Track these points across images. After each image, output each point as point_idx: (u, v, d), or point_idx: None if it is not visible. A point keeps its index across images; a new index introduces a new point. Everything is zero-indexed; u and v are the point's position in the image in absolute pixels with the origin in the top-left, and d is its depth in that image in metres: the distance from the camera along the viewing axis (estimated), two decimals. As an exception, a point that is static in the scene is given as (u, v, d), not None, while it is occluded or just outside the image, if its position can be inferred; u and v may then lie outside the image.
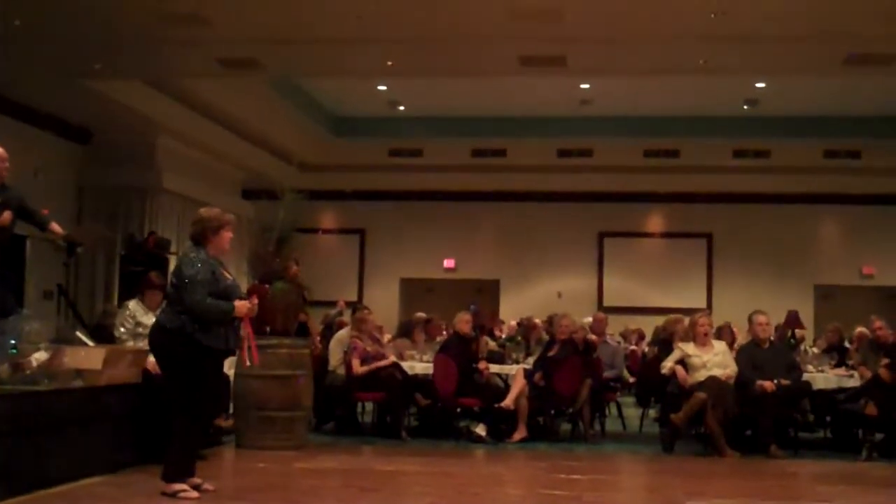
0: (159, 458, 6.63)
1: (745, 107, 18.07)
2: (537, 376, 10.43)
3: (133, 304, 8.80)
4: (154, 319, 8.49)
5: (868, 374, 9.77)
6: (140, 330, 8.54)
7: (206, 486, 6.49)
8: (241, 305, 6.50)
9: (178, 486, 6.31)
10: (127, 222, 15.60)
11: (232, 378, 8.97)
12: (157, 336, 6.61)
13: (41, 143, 14.46)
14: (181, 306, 6.38)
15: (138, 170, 15.64)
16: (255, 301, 6.72)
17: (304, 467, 8.21)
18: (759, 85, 16.74)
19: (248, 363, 6.97)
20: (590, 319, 12.68)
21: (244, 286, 8.51)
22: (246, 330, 6.76)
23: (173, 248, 15.27)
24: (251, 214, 17.49)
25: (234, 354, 6.95)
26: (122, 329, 8.68)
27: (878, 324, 10.45)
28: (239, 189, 19.17)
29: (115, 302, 13.83)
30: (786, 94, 17.23)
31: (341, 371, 10.71)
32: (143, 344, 8.32)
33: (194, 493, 6.32)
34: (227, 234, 6.63)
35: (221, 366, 6.86)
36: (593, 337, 11.27)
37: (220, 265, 6.61)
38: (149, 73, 13.76)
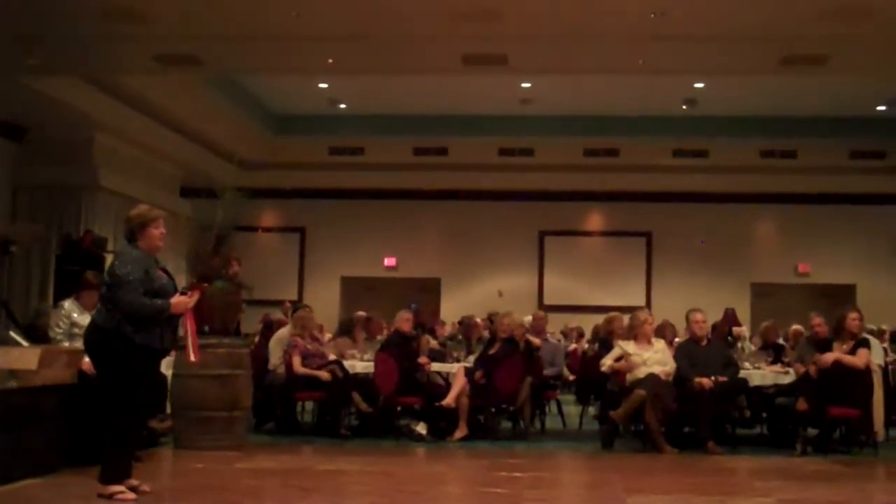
0: (95, 459, 6.52)
1: (684, 107, 18.27)
2: (478, 374, 10.43)
3: (68, 304, 8.67)
4: (90, 319, 8.42)
5: (802, 371, 9.91)
6: (75, 330, 8.42)
7: (144, 487, 6.38)
8: (178, 302, 6.44)
9: (114, 488, 6.22)
10: (63, 221, 15.35)
11: (169, 378, 8.88)
12: (92, 336, 6.52)
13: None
14: (115, 306, 6.29)
15: (74, 167, 15.40)
16: (195, 296, 6.65)
17: (243, 467, 8.13)
18: (698, 85, 16.93)
19: (190, 359, 6.90)
20: (530, 318, 12.72)
21: (182, 284, 8.42)
22: (187, 326, 6.71)
23: (110, 247, 15.05)
24: (190, 213, 17.35)
25: (169, 354, 6.87)
26: (58, 329, 8.56)
27: (816, 320, 10.60)
28: (178, 187, 18.95)
29: (51, 301, 13.61)
30: (724, 95, 17.45)
31: (281, 370, 10.64)
32: (79, 344, 8.19)
33: (131, 495, 6.23)
34: (157, 231, 6.54)
35: (158, 366, 6.78)
36: (536, 341, 11.29)
37: (154, 263, 6.53)
38: (86, 69, 13.56)
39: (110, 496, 6.19)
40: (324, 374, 10.34)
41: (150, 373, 6.53)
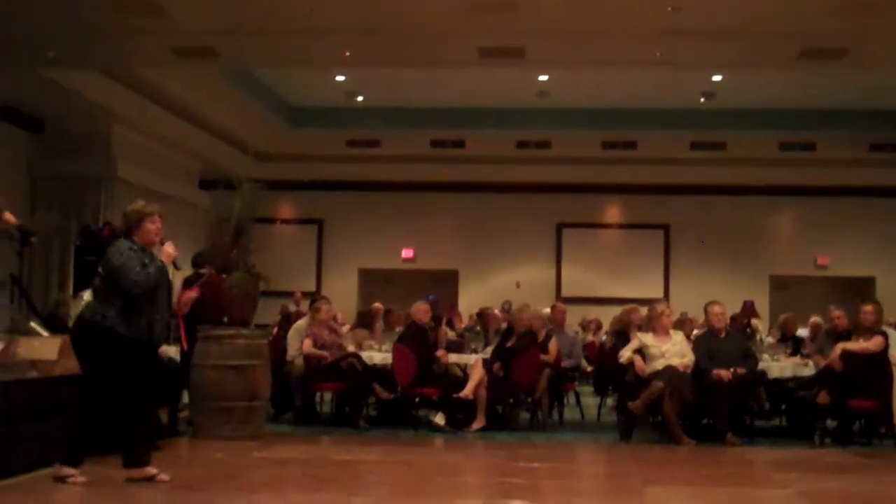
0: (115, 447, 6.58)
1: (702, 99, 18.22)
2: (496, 366, 10.44)
3: (88, 295, 8.69)
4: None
5: (822, 363, 9.88)
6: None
7: (162, 476, 6.44)
8: (164, 251, 6.72)
9: (66, 471, 6.36)
10: (81, 212, 15.41)
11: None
12: (76, 327, 6.72)
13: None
14: (111, 297, 6.42)
15: (93, 159, 15.47)
16: (172, 248, 6.84)
17: (261, 457, 8.16)
18: (716, 78, 16.87)
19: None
20: (548, 310, 12.73)
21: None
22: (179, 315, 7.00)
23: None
24: (208, 204, 17.40)
25: (159, 346, 6.94)
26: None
27: (836, 313, 10.51)
28: (196, 179, 19.02)
29: (70, 292, 13.67)
30: (742, 88, 17.38)
31: (300, 361, 10.68)
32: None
33: (80, 479, 6.35)
34: (153, 226, 6.67)
35: (149, 358, 6.68)
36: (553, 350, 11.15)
37: (150, 257, 6.65)
38: (103, 61, 13.61)
39: (62, 478, 6.35)
40: (324, 354, 10.41)
41: (141, 365, 6.53)
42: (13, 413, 6.82)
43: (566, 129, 19.36)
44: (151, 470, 6.45)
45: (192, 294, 7.05)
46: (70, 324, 8.72)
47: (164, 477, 6.44)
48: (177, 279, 7.50)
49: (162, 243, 6.82)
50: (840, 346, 9.55)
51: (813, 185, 19.87)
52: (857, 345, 9.47)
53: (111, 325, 6.33)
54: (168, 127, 16.54)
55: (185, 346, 7.20)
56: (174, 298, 7.05)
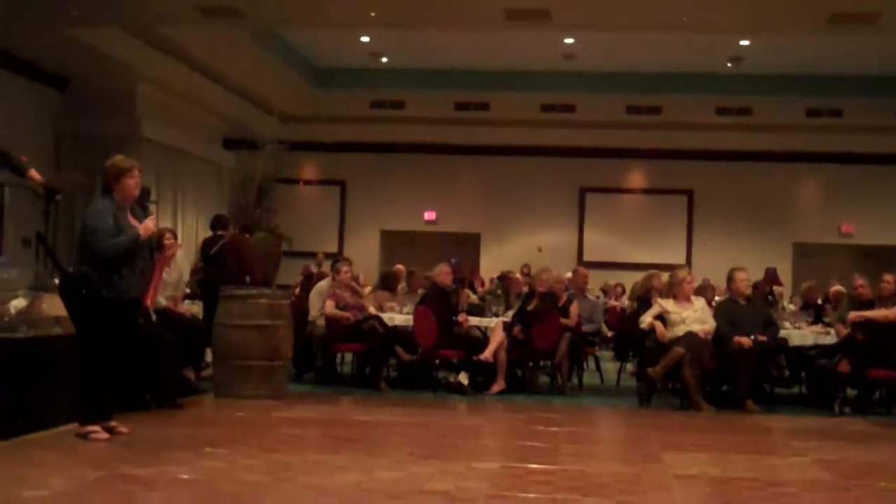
0: (136, 407, 6.69)
1: (729, 64, 18.06)
2: (516, 329, 10.47)
3: (76, 253, 8.73)
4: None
5: (844, 332, 9.84)
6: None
7: (121, 428, 6.66)
8: (146, 226, 6.63)
9: (89, 428, 6.50)
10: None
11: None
12: (62, 285, 6.83)
13: (16, 89, 14.32)
14: (90, 255, 6.48)
15: (118, 118, 15.50)
16: (153, 224, 6.80)
17: (282, 416, 8.24)
18: (744, 42, 16.72)
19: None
20: (570, 274, 12.73)
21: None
22: (157, 273, 7.02)
23: (153, 198, 15.15)
24: (232, 164, 17.44)
25: (142, 304, 7.01)
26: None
27: (860, 282, 10.43)
28: (220, 138, 19.04)
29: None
30: (769, 53, 17.22)
31: (321, 322, 10.73)
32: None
33: (104, 435, 6.50)
34: (131, 181, 6.67)
35: (130, 316, 6.79)
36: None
37: (125, 211, 6.66)
38: (127, 19, 13.59)
39: (85, 435, 6.48)
40: (346, 315, 10.46)
41: (121, 323, 6.62)
42: (38, 368, 6.89)
43: (591, 92, 19.26)
44: (111, 423, 6.65)
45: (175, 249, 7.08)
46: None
47: (122, 429, 6.67)
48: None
49: (146, 213, 6.86)
50: (853, 315, 9.52)
51: (839, 151, 19.70)
52: (879, 313, 9.42)
53: (91, 283, 6.44)
54: (193, 86, 16.55)
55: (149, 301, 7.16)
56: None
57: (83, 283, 6.48)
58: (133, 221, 6.66)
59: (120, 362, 6.74)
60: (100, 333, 6.53)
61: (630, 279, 15.45)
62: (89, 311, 6.53)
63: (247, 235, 9.40)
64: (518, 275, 14.44)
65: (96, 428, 6.51)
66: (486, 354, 10.26)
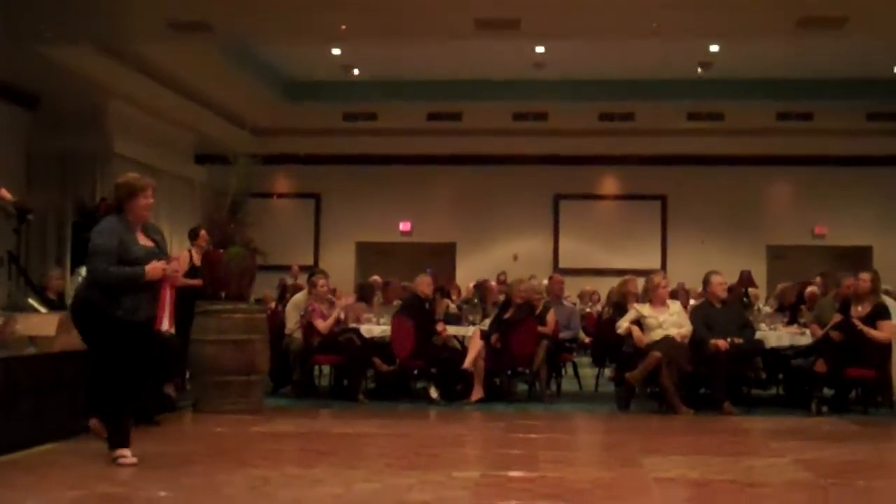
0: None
1: (699, 70, 18.15)
2: (494, 338, 10.47)
3: (84, 271, 8.70)
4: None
5: (819, 332, 9.90)
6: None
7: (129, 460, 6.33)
8: (152, 268, 6.26)
9: (119, 452, 6.29)
10: (78, 188, 15.41)
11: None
12: (73, 305, 6.62)
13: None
14: (91, 277, 6.34)
15: (89, 135, 15.43)
16: (174, 265, 6.55)
17: (260, 431, 8.20)
18: (713, 48, 16.81)
19: (158, 326, 6.55)
20: (546, 282, 12.75)
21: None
22: (163, 293, 6.47)
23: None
24: (204, 179, 17.38)
25: (154, 325, 6.53)
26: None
27: (848, 281, 10.30)
28: (192, 153, 18.98)
29: (68, 268, 13.69)
30: (739, 58, 17.33)
31: (298, 335, 10.70)
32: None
33: (133, 459, 6.26)
34: (143, 201, 6.39)
35: (143, 337, 6.40)
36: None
37: (135, 232, 6.41)
38: (99, 37, 13.55)
39: (114, 460, 6.26)
40: (338, 318, 10.46)
41: (133, 344, 6.32)
42: (12, 389, 6.83)
43: (563, 100, 19.33)
44: (125, 453, 6.32)
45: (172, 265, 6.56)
46: (66, 300, 8.78)
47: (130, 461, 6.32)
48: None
49: (162, 236, 6.66)
50: (836, 317, 9.60)
51: (810, 154, 19.85)
52: (874, 333, 9.43)
53: (100, 304, 6.22)
54: (164, 102, 16.50)
55: (161, 325, 6.57)
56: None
57: (89, 303, 6.27)
58: (143, 242, 6.40)
59: (132, 383, 6.46)
60: (117, 354, 6.26)
61: (606, 285, 15.49)
62: (101, 334, 6.29)
63: (221, 250, 9.36)
64: (494, 283, 14.44)
65: (125, 452, 6.27)
66: (466, 364, 10.26)
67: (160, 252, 6.47)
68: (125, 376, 6.33)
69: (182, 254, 10.80)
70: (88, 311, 6.32)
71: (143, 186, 6.44)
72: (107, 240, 6.24)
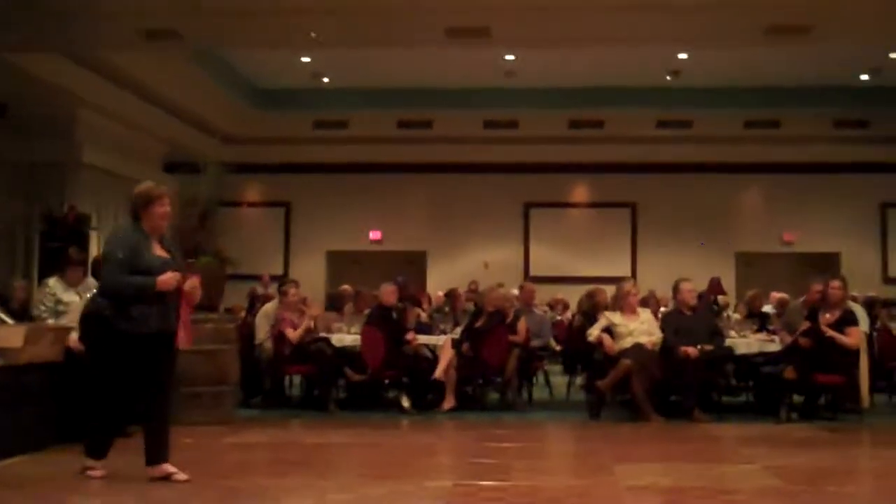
0: (81, 436, 6.52)
1: (668, 78, 18.24)
2: (465, 347, 10.47)
3: (53, 282, 8.63)
4: (74, 296, 8.41)
5: (788, 339, 9.98)
6: (60, 307, 8.41)
7: (179, 476, 6.21)
8: (164, 280, 6.06)
9: (88, 463, 6.24)
10: (46, 197, 15.25)
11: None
12: (82, 319, 6.53)
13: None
14: (100, 287, 6.18)
15: (57, 144, 15.28)
16: (194, 280, 6.35)
17: (232, 442, 8.16)
18: (682, 56, 16.90)
19: (181, 344, 6.44)
20: (517, 290, 12.76)
21: None
22: (183, 309, 6.34)
23: (93, 224, 15.01)
24: (174, 188, 17.23)
25: (166, 337, 6.29)
26: (43, 307, 8.52)
27: (817, 287, 10.38)
28: (161, 162, 18.85)
29: (35, 279, 13.57)
30: (708, 65, 17.43)
31: (268, 344, 10.65)
32: (64, 321, 8.21)
33: (99, 472, 6.20)
34: (160, 209, 6.20)
35: (152, 350, 6.17)
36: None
37: (151, 241, 6.21)
38: (68, 45, 13.43)
39: (82, 471, 6.21)
40: (309, 328, 10.46)
41: (140, 358, 6.13)
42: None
43: (533, 108, 19.36)
44: (169, 468, 6.25)
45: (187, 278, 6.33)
46: (35, 311, 8.70)
47: (180, 477, 6.19)
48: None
49: (178, 249, 6.49)
50: (805, 324, 9.67)
51: (778, 162, 19.98)
52: (843, 339, 9.50)
53: (108, 316, 6.05)
54: (133, 110, 16.39)
55: (183, 342, 6.45)
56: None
57: (97, 316, 6.12)
58: (159, 253, 6.23)
59: (130, 399, 6.28)
60: (111, 369, 6.10)
61: (577, 293, 15.52)
62: (103, 344, 6.13)
63: (190, 260, 9.30)
64: (462, 291, 14.45)
65: (94, 464, 6.18)
66: (438, 373, 10.26)
67: (175, 265, 6.29)
68: (118, 389, 6.18)
69: None
70: (94, 321, 6.19)
71: (160, 195, 6.26)
72: (118, 247, 6.11)
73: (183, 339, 6.44)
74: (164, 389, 6.34)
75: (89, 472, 6.18)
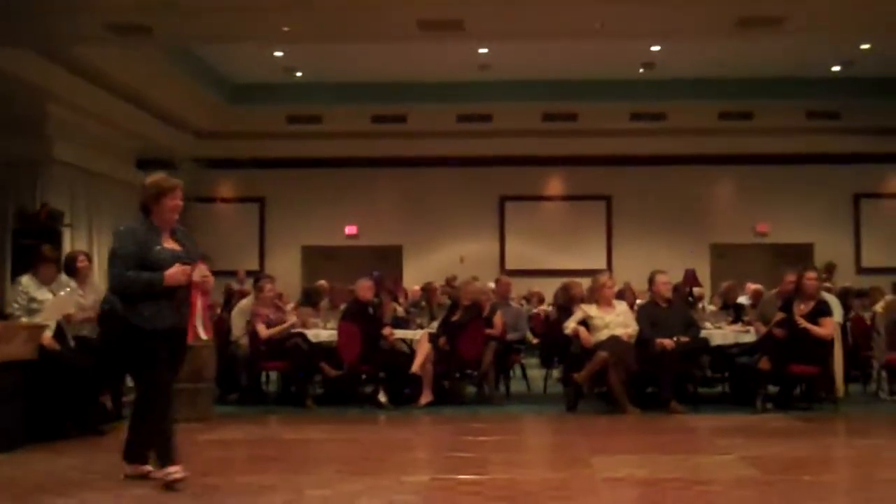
0: (56, 435, 6.46)
1: (642, 70, 18.27)
2: (441, 340, 10.47)
3: (26, 279, 8.57)
4: (48, 294, 8.35)
5: (763, 330, 10.03)
6: (34, 305, 8.36)
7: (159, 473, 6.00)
8: (172, 274, 5.89)
9: (170, 469, 5.93)
10: (18, 195, 15.11)
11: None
12: (99, 317, 6.38)
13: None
14: (109, 283, 6.00)
15: (28, 140, 15.13)
16: (203, 269, 6.08)
17: (209, 439, 8.12)
18: (655, 48, 16.92)
19: (193, 337, 6.14)
20: (493, 284, 12.76)
21: None
22: (194, 301, 6.09)
23: (67, 220, 14.89)
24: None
25: (179, 333, 6.10)
26: (16, 305, 8.45)
27: (790, 277, 10.44)
28: (134, 158, 18.72)
29: (8, 277, 13.45)
30: (681, 57, 17.46)
31: (244, 341, 10.62)
32: (37, 319, 8.15)
33: (181, 474, 5.93)
34: (171, 202, 6.02)
35: (168, 345, 6.00)
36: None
37: (161, 235, 6.05)
38: (36, 40, 13.29)
39: (134, 476, 6.07)
40: (284, 328, 10.44)
41: (157, 353, 5.94)
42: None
43: (507, 101, 19.34)
44: (147, 468, 6.12)
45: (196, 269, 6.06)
46: (8, 309, 8.63)
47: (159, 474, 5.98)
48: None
49: (193, 241, 6.27)
50: (779, 315, 9.73)
51: (751, 153, 20.04)
52: (817, 330, 9.55)
53: (121, 312, 5.90)
54: (105, 107, 16.23)
55: (196, 334, 6.11)
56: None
57: (111, 313, 5.96)
58: (170, 246, 6.05)
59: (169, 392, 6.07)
60: (143, 364, 5.93)
61: (552, 286, 15.54)
62: (122, 344, 5.97)
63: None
64: (439, 285, 14.45)
65: (177, 468, 5.93)
66: (415, 368, 10.25)
67: (187, 257, 6.09)
68: (159, 386, 5.97)
69: None
70: (110, 319, 6.03)
71: (171, 187, 6.09)
72: (125, 243, 5.94)
73: (200, 331, 6.14)
74: (170, 387, 6.11)
75: (174, 476, 5.89)
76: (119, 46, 14.27)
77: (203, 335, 6.18)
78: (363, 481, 6.13)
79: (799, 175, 20.18)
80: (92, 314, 8.66)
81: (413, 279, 18.61)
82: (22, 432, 7.42)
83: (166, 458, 5.95)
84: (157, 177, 6.16)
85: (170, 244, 6.08)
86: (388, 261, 20.30)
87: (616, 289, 11.44)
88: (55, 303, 8.43)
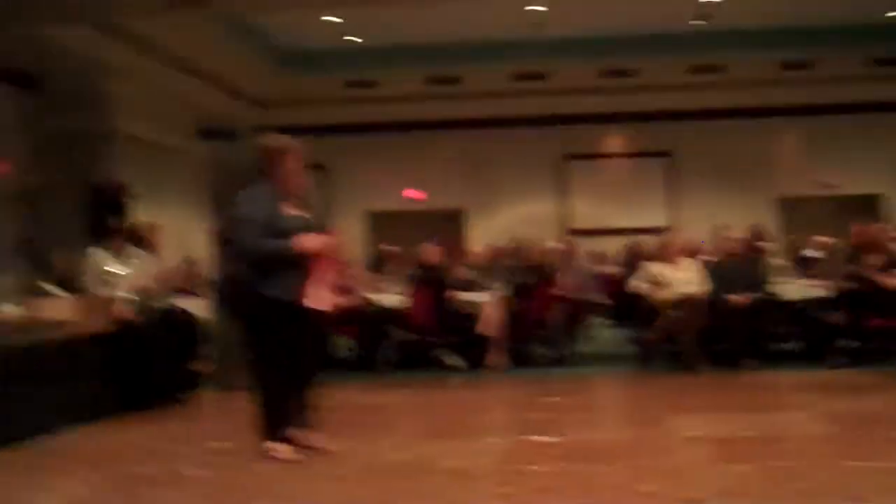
0: (136, 407, 6.53)
1: (700, 22, 17.98)
2: (511, 302, 10.46)
3: (97, 252, 8.65)
4: (119, 266, 8.44)
5: (837, 284, 9.87)
6: (106, 277, 8.42)
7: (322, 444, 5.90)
8: (309, 241, 5.58)
9: (269, 445, 5.80)
10: (86, 168, 15.31)
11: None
12: (224, 289, 6.35)
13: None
14: (239, 251, 5.67)
15: (91, 115, 15.27)
16: (333, 238, 5.84)
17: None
18: (714, -1, 16.64)
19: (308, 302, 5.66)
20: (559, 244, 12.71)
21: None
22: (317, 268, 5.70)
23: (133, 192, 15.07)
24: (210, 154, 17.31)
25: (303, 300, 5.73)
26: (89, 277, 8.54)
27: (856, 229, 10.26)
28: (195, 129, 18.85)
29: (79, 250, 13.66)
30: (740, 7, 17.16)
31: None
32: (110, 291, 8.24)
33: (286, 453, 5.77)
34: (290, 165, 5.72)
35: (303, 318, 5.68)
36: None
37: (284, 201, 5.72)
38: (93, 15, 13.40)
39: (266, 452, 5.79)
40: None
41: (290, 326, 5.66)
42: (32, 374, 6.82)
43: (564, 59, 19.17)
44: (275, 446, 5.81)
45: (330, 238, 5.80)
46: (82, 282, 8.74)
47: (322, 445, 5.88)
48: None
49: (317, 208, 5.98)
50: (850, 268, 9.59)
51: (817, 103, 19.64)
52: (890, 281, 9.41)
53: (251, 282, 5.59)
54: (165, 79, 16.34)
55: (314, 303, 5.69)
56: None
57: (241, 283, 5.63)
58: (294, 213, 5.72)
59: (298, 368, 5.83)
60: (273, 336, 5.65)
61: (615, 244, 15.47)
62: (254, 315, 5.68)
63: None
64: (505, 247, 14.39)
65: (276, 445, 5.76)
66: (483, 329, 10.24)
67: (313, 223, 5.80)
68: (284, 360, 5.72)
69: None
70: (240, 291, 5.73)
71: (287, 148, 5.79)
72: (253, 208, 5.60)
73: (321, 299, 5.75)
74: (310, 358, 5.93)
75: (273, 454, 5.75)
76: (176, 18, 14.35)
77: (324, 305, 5.79)
78: (441, 444, 6.17)
79: (866, 125, 19.75)
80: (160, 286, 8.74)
81: (477, 241, 18.59)
82: (103, 404, 7.54)
83: (273, 432, 5.80)
84: (271, 138, 5.89)
85: (294, 210, 5.77)
86: (451, 223, 20.30)
87: (682, 246, 11.32)
88: (132, 274, 8.49)
